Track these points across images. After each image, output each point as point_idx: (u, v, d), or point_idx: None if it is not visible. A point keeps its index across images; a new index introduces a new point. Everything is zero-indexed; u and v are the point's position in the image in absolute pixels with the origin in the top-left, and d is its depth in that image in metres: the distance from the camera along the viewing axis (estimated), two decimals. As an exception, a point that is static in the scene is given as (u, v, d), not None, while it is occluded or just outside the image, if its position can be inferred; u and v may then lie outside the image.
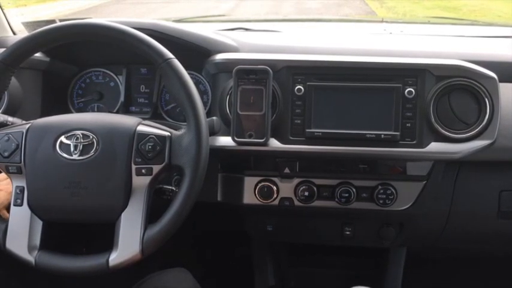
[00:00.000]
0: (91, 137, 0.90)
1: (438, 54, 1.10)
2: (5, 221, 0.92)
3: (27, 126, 0.93)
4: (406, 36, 1.46)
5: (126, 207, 0.89)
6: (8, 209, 0.94)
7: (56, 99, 1.26)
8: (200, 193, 0.89)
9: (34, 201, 0.90)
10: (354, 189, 1.09)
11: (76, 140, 0.90)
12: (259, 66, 1.02)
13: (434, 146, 1.03)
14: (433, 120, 1.03)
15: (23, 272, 1.21)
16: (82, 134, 0.90)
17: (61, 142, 0.90)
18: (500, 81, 1.04)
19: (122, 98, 1.26)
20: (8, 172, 0.91)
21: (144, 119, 0.96)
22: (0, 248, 0.91)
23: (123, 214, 0.89)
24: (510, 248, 1.28)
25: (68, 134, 0.90)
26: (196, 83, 1.23)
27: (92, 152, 0.89)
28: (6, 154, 0.91)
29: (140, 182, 0.90)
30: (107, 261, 0.88)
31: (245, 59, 1.08)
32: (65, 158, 0.89)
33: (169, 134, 0.91)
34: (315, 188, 1.10)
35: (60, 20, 1.13)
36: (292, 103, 1.05)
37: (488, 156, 1.05)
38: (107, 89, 1.28)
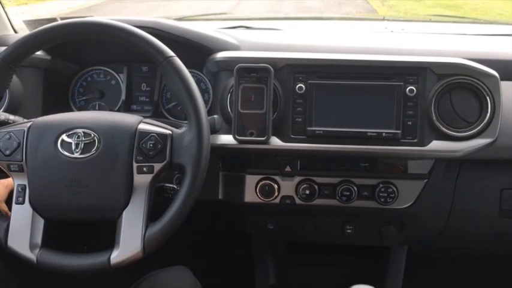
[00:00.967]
0: (92, 135, 0.90)
1: (439, 53, 1.10)
2: (7, 218, 0.92)
3: (29, 124, 0.93)
4: (407, 34, 1.46)
5: (127, 205, 0.89)
6: (7, 203, 0.94)
7: (57, 98, 1.26)
8: (201, 191, 0.90)
9: (35, 199, 0.90)
10: (355, 188, 1.09)
11: (77, 138, 0.90)
12: (260, 65, 1.02)
13: (436, 145, 1.03)
14: (434, 118, 1.03)
15: (23, 271, 1.21)
16: (83, 132, 0.90)
17: (62, 140, 0.90)
18: (502, 79, 1.04)
19: (123, 97, 1.26)
20: (9, 170, 0.92)
21: (145, 117, 0.96)
22: (2, 246, 0.91)
23: (124, 212, 0.89)
24: (511, 247, 1.28)
25: (69, 133, 0.90)
26: (198, 81, 1.23)
27: (93, 151, 0.89)
28: (7, 152, 0.91)
29: (141, 180, 0.90)
30: (109, 259, 0.88)
31: (246, 57, 1.08)
32: (66, 156, 0.89)
33: (170, 132, 0.91)
34: (316, 187, 1.10)
35: (61, 19, 1.13)
36: (293, 101, 1.05)
37: (489, 155, 1.05)
38: (108, 87, 1.28)
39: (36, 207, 0.91)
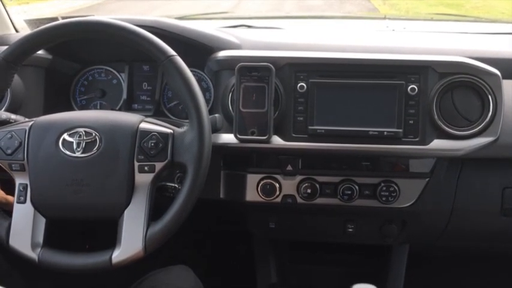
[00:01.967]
0: (94, 134, 0.90)
1: (441, 51, 1.10)
2: (8, 218, 0.92)
3: (30, 123, 0.93)
4: (408, 33, 1.46)
5: (128, 204, 0.89)
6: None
7: (59, 97, 1.26)
8: (203, 190, 0.90)
9: (37, 198, 0.91)
10: (357, 187, 1.09)
11: (79, 137, 0.90)
12: (261, 64, 1.02)
13: (437, 143, 1.03)
14: (436, 117, 1.02)
15: (25, 269, 1.21)
16: (85, 131, 0.90)
17: (64, 139, 0.90)
18: (504, 78, 1.04)
19: (124, 96, 1.26)
20: (11, 169, 0.92)
21: (146, 116, 0.96)
22: (4, 245, 0.91)
23: (125, 211, 0.89)
24: (512, 246, 1.28)
25: (71, 132, 0.91)
26: (199, 80, 1.23)
27: (94, 150, 0.89)
28: (9, 151, 0.91)
29: (143, 179, 0.90)
30: (110, 258, 0.88)
31: (247, 56, 1.08)
32: (67, 155, 0.89)
33: (171, 131, 0.91)
34: (318, 185, 1.10)
35: (63, 18, 1.13)
36: (295, 100, 1.05)
37: (491, 153, 1.05)
38: (110, 86, 1.28)
39: (37, 206, 0.91)
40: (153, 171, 0.90)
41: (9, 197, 0.99)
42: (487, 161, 1.10)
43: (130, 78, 1.27)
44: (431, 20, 1.81)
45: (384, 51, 1.09)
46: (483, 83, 1.02)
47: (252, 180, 1.12)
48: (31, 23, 1.46)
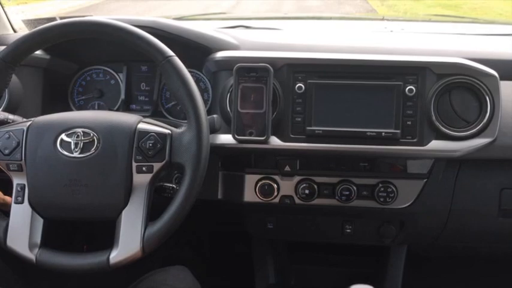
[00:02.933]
0: (91, 134, 0.90)
1: (439, 52, 1.10)
2: (6, 218, 0.92)
3: (28, 124, 0.93)
4: (406, 34, 1.46)
5: (126, 205, 0.89)
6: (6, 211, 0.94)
7: (57, 97, 1.26)
8: (201, 191, 0.89)
9: (35, 198, 0.90)
10: (355, 187, 1.09)
11: (77, 137, 0.90)
12: (259, 64, 1.02)
13: (435, 144, 1.03)
14: (433, 118, 1.03)
15: (23, 270, 1.21)
16: (83, 131, 0.90)
17: (62, 140, 0.90)
18: (501, 79, 1.04)
19: (122, 96, 1.26)
20: (8, 170, 0.91)
21: (144, 116, 0.96)
22: (1, 246, 0.91)
23: (123, 212, 0.89)
24: (511, 246, 1.28)
25: (69, 132, 0.90)
26: (197, 81, 1.23)
27: (92, 150, 0.89)
28: (6, 152, 0.91)
29: (141, 180, 0.90)
30: (108, 258, 0.88)
31: (246, 57, 1.08)
32: (65, 155, 0.89)
33: (169, 131, 0.91)
34: (316, 186, 1.10)
35: (61, 18, 1.13)
36: (293, 101, 1.05)
37: (488, 154, 1.05)
38: (108, 86, 1.28)
39: (35, 207, 0.91)
40: (151, 172, 0.90)
41: (7, 198, 0.99)
42: (485, 162, 1.10)
43: (128, 79, 1.27)
44: (429, 21, 1.82)
45: (382, 52, 1.09)
46: (481, 84, 1.02)
47: (250, 180, 1.12)
48: (29, 23, 1.46)
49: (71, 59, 1.27)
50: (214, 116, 0.98)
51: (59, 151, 0.89)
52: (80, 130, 0.90)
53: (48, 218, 0.92)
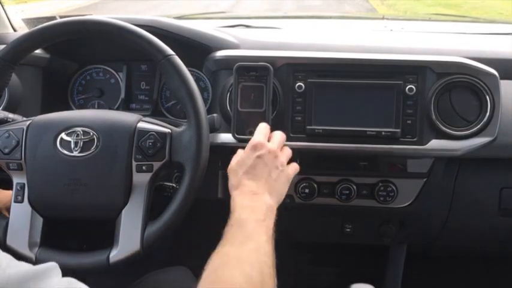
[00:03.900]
0: (91, 133, 0.90)
1: (439, 51, 1.10)
2: (6, 218, 0.92)
3: (28, 123, 0.93)
4: (406, 33, 1.46)
5: (126, 204, 0.89)
6: (8, 209, 0.94)
7: (57, 96, 1.26)
8: (201, 190, 0.89)
9: (34, 198, 0.90)
10: (355, 187, 1.09)
11: (76, 136, 0.90)
12: (259, 63, 1.02)
13: (435, 143, 1.03)
14: (433, 117, 1.03)
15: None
16: (82, 130, 0.90)
17: (61, 139, 0.90)
18: (501, 78, 1.04)
19: (122, 95, 1.26)
20: (8, 169, 0.91)
21: (144, 115, 0.96)
22: (1, 245, 0.91)
23: (123, 211, 0.89)
24: (510, 246, 1.28)
25: (69, 131, 0.90)
26: (197, 80, 1.22)
27: (92, 149, 0.89)
28: (6, 151, 0.91)
29: (141, 179, 0.90)
30: (108, 258, 0.88)
31: (245, 56, 1.08)
32: (65, 154, 0.89)
33: (169, 130, 0.91)
34: (316, 185, 1.10)
35: (61, 17, 1.12)
36: (293, 100, 1.05)
37: (488, 154, 1.05)
38: (108, 85, 1.28)
39: (35, 206, 0.91)
40: (151, 171, 0.90)
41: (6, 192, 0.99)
42: (485, 161, 1.10)
43: (128, 78, 1.27)
44: (429, 20, 1.82)
45: (382, 51, 1.09)
46: (481, 83, 1.02)
47: (250, 180, 1.12)
48: (29, 22, 1.46)
49: (71, 58, 1.27)
50: (214, 115, 0.98)
51: (59, 150, 0.89)
52: (79, 129, 0.90)
53: (48, 217, 0.91)
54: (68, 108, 1.28)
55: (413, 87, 1.02)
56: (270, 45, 1.15)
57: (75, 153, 0.89)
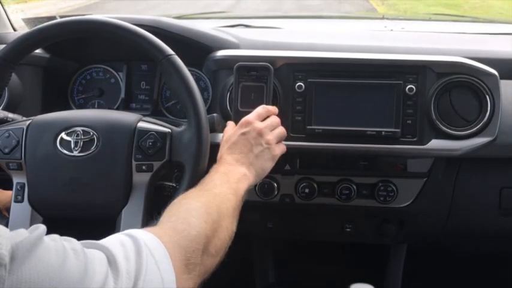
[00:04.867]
0: (91, 133, 0.90)
1: (439, 51, 1.10)
2: (5, 217, 0.92)
3: (28, 122, 0.93)
4: (407, 33, 1.46)
5: (126, 203, 0.89)
6: (8, 210, 0.94)
7: (57, 96, 1.26)
8: None
9: (34, 197, 0.90)
10: (355, 186, 1.09)
11: (76, 136, 0.90)
12: (260, 63, 1.02)
13: (435, 143, 1.03)
14: (434, 117, 1.03)
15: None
16: (82, 130, 0.90)
17: (61, 138, 0.90)
18: (501, 78, 1.04)
19: (122, 95, 1.26)
20: (8, 168, 0.92)
21: (144, 115, 0.96)
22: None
23: (123, 210, 0.89)
24: (510, 245, 1.28)
25: (69, 131, 0.90)
26: (197, 80, 1.22)
27: (92, 149, 0.89)
28: (6, 150, 0.91)
29: (140, 179, 0.90)
30: (108, 257, 0.88)
31: (246, 56, 1.08)
32: (65, 154, 0.89)
33: (169, 130, 0.91)
34: (316, 185, 1.10)
35: (61, 17, 1.12)
36: (293, 100, 1.05)
37: (489, 154, 1.05)
38: (108, 85, 1.28)
39: (35, 206, 0.91)
40: (151, 171, 0.90)
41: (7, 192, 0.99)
42: (485, 161, 1.10)
43: (128, 78, 1.27)
44: (430, 20, 1.82)
45: (382, 51, 1.09)
46: (481, 83, 1.02)
47: (250, 179, 1.12)
48: (29, 21, 1.46)
49: (71, 58, 1.27)
50: (214, 114, 0.98)
51: (59, 150, 0.89)
52: (79, 129, 0.90)
53: (48, 217, 0.91)
54: (68, 107, 1.28)
55: (413, 87, 1.02)
56: (270, 45, 1.15)
57: (75, 153, 0.89)
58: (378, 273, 1.39)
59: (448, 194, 1.12)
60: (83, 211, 0.91)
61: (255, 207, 1.18)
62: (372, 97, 1.03)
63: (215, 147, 0.95)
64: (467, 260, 1.50)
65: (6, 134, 0.92)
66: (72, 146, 0.89)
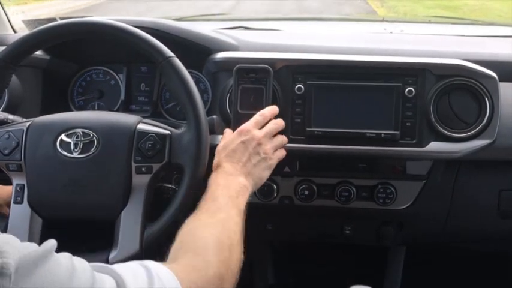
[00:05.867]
0: (91, 135, 0.90)
1: (438, 54, 1.10)
2: (5, 218, 0.92)
3: (28, 124, 0.93)
4: (406, 35, 1.47)
5: (126, 205, 0.89)
6: (9, 205, 0.94)
7: (57, 97, 1.26)
8: (200, 192, 0.89)
9: (34, 199, 0.90)
10: (354, 188, 1.09)
11: (76, 138, 0.90)
12: (259, 65, 1.02)
13: (434, 145, 1.03)
14: (433, 119, 1.03)
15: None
16: (82, 132, 0.90)
17: (61, 140, 0.90)
18: (501, 80, 1.04)
19: (122, 97, 1.26)
20: (8, 170, 0.91)
21: (144, 117, 0.96)
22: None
23: (123, 212, 0.89)
24: (509, 247, 1.28)
25: (68, 132, 0.90)
26: (197, 82, 1.22)
27: (92, 150, 0.89)
28: (6, 152, 0.91)
29: (140, 180, 0.90)
30: (107, 259, 0.88)
31: (245, 58, 1.08)
32: (65, 156, 0.89)
33: (169, 132, 0.91)
34: (315, 187, 1.10)
35: (61, 18, 1.13)
36: (293, 102, 1.05)
37: (488, 156, 1.05)
38: (108, 87, 1.28)
39: (34, 207, 0.91)
40: (151, 172, 0.90)
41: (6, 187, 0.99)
42: (484, 163, 1.10)
43: (128, 79, 1.27)
44: (429, 22, 1.82)
45: (381, 54, 1.09)
46: (480, 85, 1.03)
47: (250, 181, 1.12)
48: (29, 23, 1.46)
49: (71, 60, 1.27)
50: (214, 116, 0.98)
51: (59, 151, 0.89)
52: (79, 130, 0.90)
53: (48, 218, 0.91)
54: (68, 109, 1.28)
55: (412, 89, 1.02)
56: (269, 47, 1.15)
57: (75, 155, 0.89)
58: (377, 275, 1.39)
59: (447, 196, 1.12)
60: (82, 212, 0.91)
61: (255, 209, 1.17)
62: (371, 99, 1.03)
63: (214, 149, 0.95)
64: (467, 261, 1.50)
65: (6, 136, 0.92)
66: (72, 147, 0.89)
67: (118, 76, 1.28)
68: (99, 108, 1.28)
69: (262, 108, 1.02)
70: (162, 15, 1.47)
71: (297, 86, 1.05)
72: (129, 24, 0.92)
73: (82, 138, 0.90)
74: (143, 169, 0.89)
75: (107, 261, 0.87)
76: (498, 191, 1.11)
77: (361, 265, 1.47)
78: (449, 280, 1.55)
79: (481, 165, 1.11)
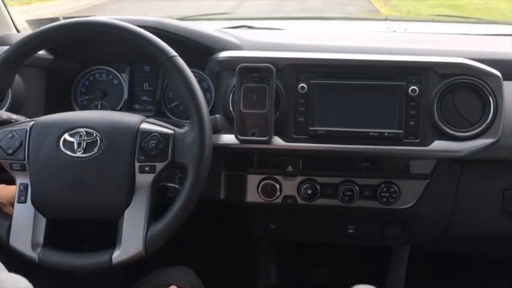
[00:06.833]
0: (94, 134, 0.90)
1: (442, 53, 1.10)
2: (9, 218, 0.92)
3: (31, 123, 0.93)
4: (409, 34, 1.46)
5: (129, 204, 0.89)
6: (13, 204, 0.94)
7: (60, 97, 1.27)
8: (203, 191, 0.90)
9: (37, 198, 0.91)
10: (357, 188, 1.09)
11: (79, 137, 0.90)
12: (262, 64, 1.02)
13: (438, 144, 1.03)
14: (436, 118, 1.03)
15: (25, 270, 1.21)
16: (85, 131, 0.90)
17: (65, 139, 0.90)
18: (504, 79, 1.04)
19: (125, 96, 1.26)
20: (11, 169, 0.92)
21: (147, 116, 0.96)
22: (4, 245, 0.91)
23: (126, 211, 0.89)
24: (513, 247, 1.28)
25: (72, 132, 0.91)
26: (200, 81, 1.23)
27: (95, 150, 0.89)
28: (10, 151, 0.91)
29: (143, 180, 0.90)
30: (110, 258, 0.88)
31: (248, 57, 1.08)
32: (68, 155, 0.89)
33: (172, 131, 0.91)
34: (318, 186, 1.10)
35: (64, 18, 1.13)
36: (296, 101, 1.05)
37: (491, 155, 1.05)
38: (111, 86, 1.28)
39: (38, 206, 0.91)
40: (154, 172, 0.90)
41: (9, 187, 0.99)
42: (488, 162, 1.10)
43: (131, 79, 1.27)
44: (432, 21, 1.81)
45: (384, 53, 1.09)
46: (484, 84, 1.02)
47: (253, 181, 1.12)
48: (32, 23, 1.47)
49: (74, 59, 1.27)
50: (217, 116, 0.98)
51: (62, 151, 0.90)
52: (82, 130, 0.91)
53: (51, 218, 0.92)
54: (71, 109, 1.28)
55: (416, 88, 1.02)
56: (272, 46, 1.15)
57: (78, 154, 0.89)
58: (381, 275, 1.39)
59: (450, 195, 1.12)
60: (85, 212, 0.91)
61: (258, 209, 1.18)
62: (375, 98, 1.03)
63: (218, 149, 0.95)
64: (470, 261, 1.50)
65: (10, 135, 0.92)
66: (75, 147, 0.90)
67: (121, 76, 1.28)
68: (102, 108, 1.28)
69: (265, 107, 1.02)
70: (165, 15, 1.48)
71: (300, 85, 1.05)
72: (132, 23, 0.93)
73: (85, 138, 0.90)
74: (146, 168, 0.89)
75: (110, 261, 0.88)
76: (502, 191, 1.11)
77: (364, 264, 1.46)
78: (453, 280, 1.54)
79: (484, 164, 1.10)
